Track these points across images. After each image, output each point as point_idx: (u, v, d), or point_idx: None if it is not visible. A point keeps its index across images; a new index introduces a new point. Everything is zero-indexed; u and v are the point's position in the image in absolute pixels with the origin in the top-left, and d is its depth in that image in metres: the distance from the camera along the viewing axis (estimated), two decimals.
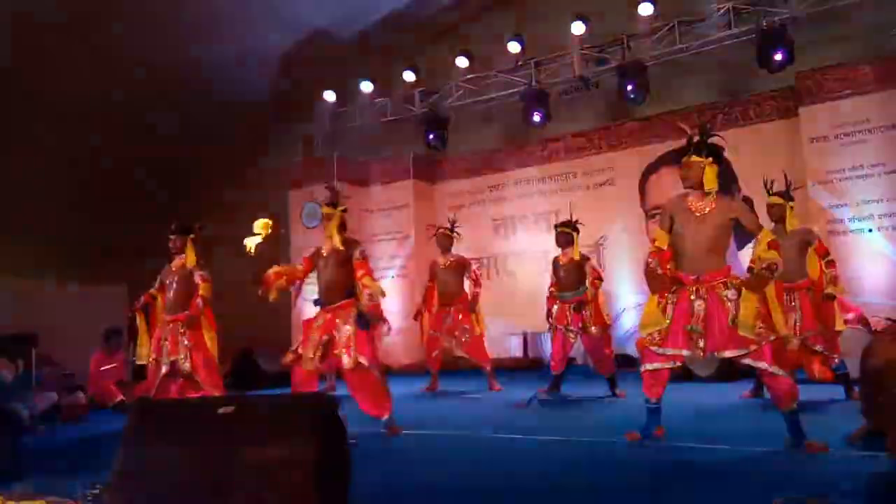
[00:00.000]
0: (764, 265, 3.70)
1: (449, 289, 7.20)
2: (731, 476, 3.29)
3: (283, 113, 10.94)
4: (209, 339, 5.50)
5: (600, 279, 6.39)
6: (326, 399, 2.59)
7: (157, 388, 5.35)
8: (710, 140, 4.03)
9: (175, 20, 8.49)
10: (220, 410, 2.53)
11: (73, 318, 8.55)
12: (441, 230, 7.42)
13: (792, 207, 5.46)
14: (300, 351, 4.80)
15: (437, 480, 3.51)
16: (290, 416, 2.52)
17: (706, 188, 3.95)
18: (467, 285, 7.27)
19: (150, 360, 5.45)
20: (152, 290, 5.66)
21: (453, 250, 7.39)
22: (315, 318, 4.88)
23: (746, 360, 3.77)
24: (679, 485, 3.18)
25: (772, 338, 3.71)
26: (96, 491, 2.42)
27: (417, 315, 7.41)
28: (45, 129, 8.65)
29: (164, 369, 5.34)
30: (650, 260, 4.06)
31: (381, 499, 3.12)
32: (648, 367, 4.04)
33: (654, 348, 4.00)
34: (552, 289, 6.58)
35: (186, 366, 5.34)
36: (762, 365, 3.71)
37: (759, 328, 3.70)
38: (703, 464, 3.57)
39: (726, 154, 4.22)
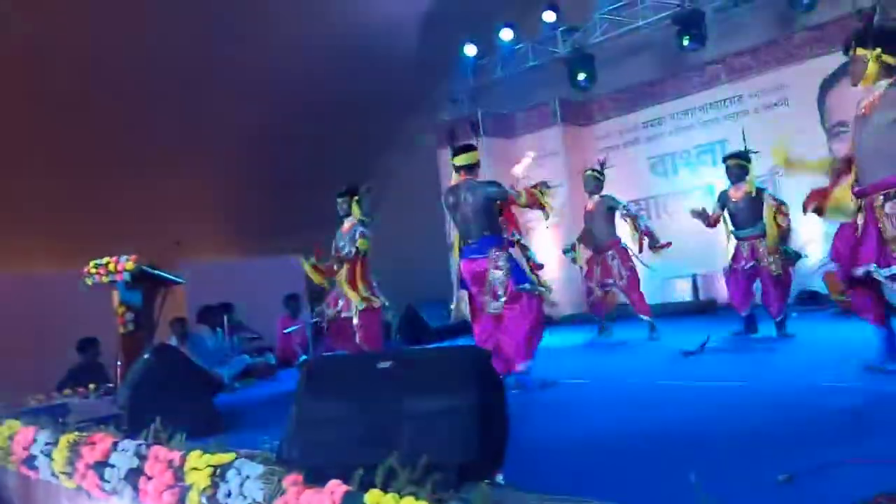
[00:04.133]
0: None
1: (598, 234, 6.88)
2: None
3: (427, 72, 11.01)
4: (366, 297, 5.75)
5: (785, 206, 5.74)
6: (481, 351, 2.57)
7: (335, 337, 5.74)
8: (879, 26, 3.44)
9: None
10: (380, 365, 2.61)
11: (258, 287, 9.33)
12: (589, 171, 7.05)
13: None
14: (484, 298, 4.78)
15: (599, 428, 3.42)
16: (447, 368, 2.54)
17: (869, 84, 3.42)
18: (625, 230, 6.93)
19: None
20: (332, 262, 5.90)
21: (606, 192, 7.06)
22: (472, 262, 4.83)
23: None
24: (851, 429, 2.85)
25: None
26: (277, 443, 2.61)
27: (570, 251, 7.28)
28: (220, 109, 9.18)
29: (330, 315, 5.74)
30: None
31: (544, 445, 3.09)
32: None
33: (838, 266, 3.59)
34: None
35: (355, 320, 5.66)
36: None
37: None
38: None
39: None
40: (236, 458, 2.51)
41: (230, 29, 8.44)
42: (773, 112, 8.81)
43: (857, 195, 3.48)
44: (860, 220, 3.41)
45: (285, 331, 8.43)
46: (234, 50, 8.65)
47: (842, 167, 3.63)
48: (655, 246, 6.63)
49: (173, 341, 6.68)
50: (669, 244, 6.68)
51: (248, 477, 2.39)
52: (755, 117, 8.88)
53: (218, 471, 2.48)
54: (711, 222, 6.13)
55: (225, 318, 7.20)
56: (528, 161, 5.31)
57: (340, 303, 5.79)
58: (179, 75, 8.37)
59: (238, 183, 10.06)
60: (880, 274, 3.27)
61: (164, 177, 9.05)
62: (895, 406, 3.23)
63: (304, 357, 8.07)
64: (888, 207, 3.27)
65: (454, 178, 4.99)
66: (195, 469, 2.57)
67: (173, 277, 5.66)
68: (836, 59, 7.92)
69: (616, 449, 2.99)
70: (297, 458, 2.38)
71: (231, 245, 10.89)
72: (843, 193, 3.56)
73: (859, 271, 3.35)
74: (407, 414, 2.36)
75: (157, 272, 5.50)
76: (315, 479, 2.19)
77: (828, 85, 8.30)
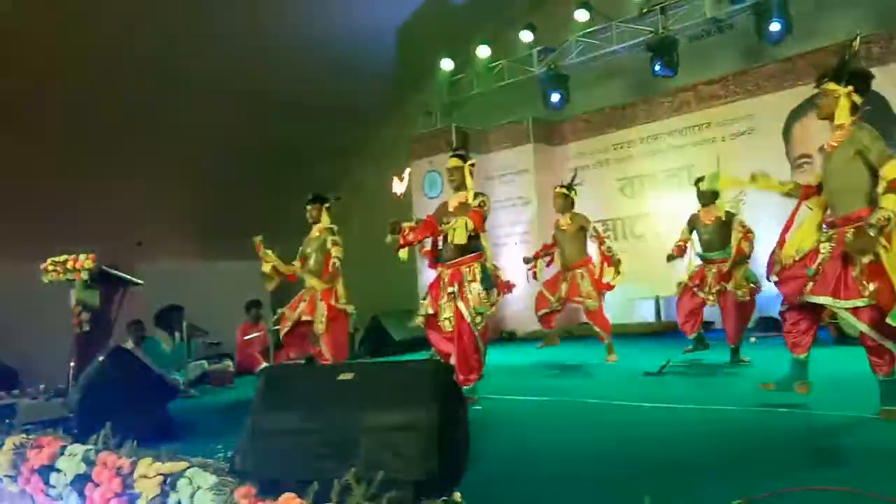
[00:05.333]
0: (872, 219, 3.13)
1: (569, 252, 6.77)
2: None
3: (402, 84, 11.02)
4: (343, 306, 5.71)
5: (752, 234, 5.82)
6: (443, 366, 2.55)
7: (286, 343, 5.67)
8: (853, 67, 3.56)
9: None
10: (341, 377, 2.57)
11: (219, 292, 9.16)
12: (559, 189, 6.97)
13: None
14: (431, 311, 4.83)
15: (558, 446, 3.42)
16: (409, 383, 2.51)
17: (836, 121, 3.52)
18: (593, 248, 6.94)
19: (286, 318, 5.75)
20: (294, 268, 5.87)
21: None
22: (438, 275, 4.92)
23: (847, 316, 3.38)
24: (805, 454, 2.90)
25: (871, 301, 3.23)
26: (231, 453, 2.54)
27: (531, 260, 7.02)
28: (185, 111, 9.06)
29: (289, 325, 5.66)
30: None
31: (502, 462, 3.07)
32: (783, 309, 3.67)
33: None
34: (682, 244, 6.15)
35: (320, 328, 5.57)
36: (862, 327, 3.30)
37: (870, 288, 3.22)
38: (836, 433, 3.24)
39: (880, 90, 3.71)
40: (188, 468, 2.44)
41: (198, 31, 8.35)
42: (740, 140, 9.01)
43: (829, 226, 3.56)
44: (824, 251, 3.46)
45: (246, 337, 8.30)
46: (201, 52, 8.53)
47: (809, 191, 3.73)
48: (613, 276, 6.61)
49: (129, 344, 6.51)
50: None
51: (199, 487, 2.32)
52: (722, 145, 9.07)
53: (168, 480, 2.41)
54: (683, 248, 6.16)
55: (184, 322, 7.04)
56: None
57: (302, 306, 5.70)
58: (143, 76, 8.24)
59: (202, 185, 9.91)
60: (840, 306, 3.34)
61: (126, 177, 8.87)
62: (851, 432, 3.30)
63: (265, 365, 7.95)
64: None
65: (472, 184, 5.03)
66: (145, 477, 2.50)
67: (132, 279, 5.53)
68: (803, 92, 8.16)
69: (573, 469, 2.99)
70: (250, 469, 2.32)
71: (193, 247, 10.70)
72: (804, 237, 3.61)
73: (818, 300, 3.40)
74: (365, 428, 2.32)
75: (116, 272, 5.37)
76: (268, 492, 2.14)
77: (794, 117, 8.52)
